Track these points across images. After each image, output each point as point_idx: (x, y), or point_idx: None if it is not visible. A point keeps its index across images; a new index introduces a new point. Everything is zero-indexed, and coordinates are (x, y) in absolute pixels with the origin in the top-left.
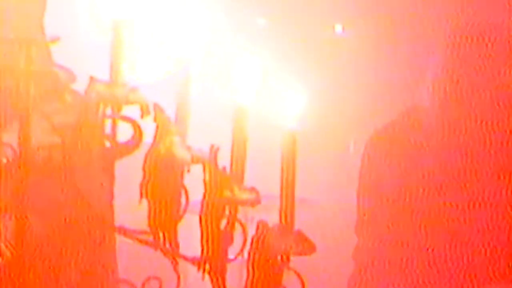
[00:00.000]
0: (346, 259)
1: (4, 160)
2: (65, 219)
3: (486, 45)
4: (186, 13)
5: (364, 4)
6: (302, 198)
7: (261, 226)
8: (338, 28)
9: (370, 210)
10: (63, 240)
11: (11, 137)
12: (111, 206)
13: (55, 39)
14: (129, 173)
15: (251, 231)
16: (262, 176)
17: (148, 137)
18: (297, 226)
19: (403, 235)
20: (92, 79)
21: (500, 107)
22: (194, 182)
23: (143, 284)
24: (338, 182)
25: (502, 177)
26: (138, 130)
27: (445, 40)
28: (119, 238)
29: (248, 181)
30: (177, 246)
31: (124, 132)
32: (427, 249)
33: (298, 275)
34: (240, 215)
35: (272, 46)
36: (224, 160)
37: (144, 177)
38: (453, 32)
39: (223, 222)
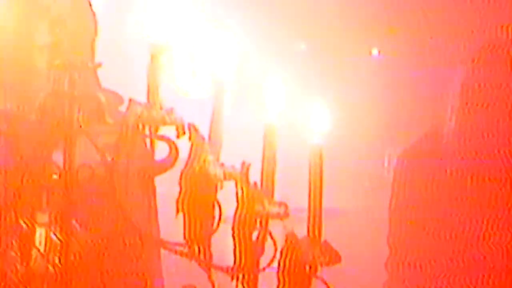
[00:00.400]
0: (378, 268)
1: (55, 176)
2: (107, 233)
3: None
4: (223, 36)
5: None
6: (336, 208)
7: (290, 237)
8: (375, 51)
9: (402, 221)
10: (105, 252)
11: (59, 156)
12: (151, 219)
13: (99, 64)
14: (166, 189)
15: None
16: (291, 190)
17: (183, 153)
18: (330, 234)
19: (434, 245)
20: (131, 101)
21: None
22: (228, 196)
23: None
24: (372, 193)
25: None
26: (174, 149)
27: (462, 68)
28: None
29: (278, 195)
30: (211, 256)
31: (162, 150)
32: (457, 257)
33: (326, 283)
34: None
35: (311, 68)
36: (255, 175)
37: (180, 193)
38: (468, 61)
39: (255, 234)
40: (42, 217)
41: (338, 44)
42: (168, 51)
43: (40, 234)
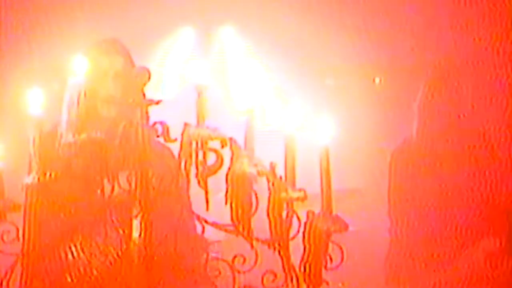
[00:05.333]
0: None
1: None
2: (174, 226)
3: (461, 85)
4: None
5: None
6: (354, 188)
7: (310, 214)
8: (377, 80)
9: (399, 200)
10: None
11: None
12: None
13: (155, 102)
14: (216, 186)
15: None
16: (308, 180)
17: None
18: (347, 209)
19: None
20: (185, 124)
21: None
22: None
23: (233, 260)
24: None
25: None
26: (219, 157)
27: (426, 82)
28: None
29: (298, 184)
30: (252, 233)
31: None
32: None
33: (339, 246)
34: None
35: (318, 92)
36: (281, 171)
37: (226, 188)
38: (431, 75)
39: (284, 213)
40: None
41: (349, 74)
42: (210, 88)
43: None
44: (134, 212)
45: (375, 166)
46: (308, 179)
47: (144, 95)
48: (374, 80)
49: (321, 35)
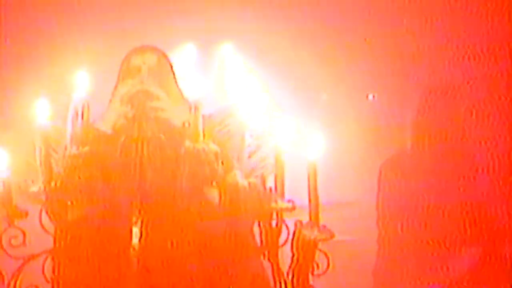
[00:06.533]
0: (371, 245)
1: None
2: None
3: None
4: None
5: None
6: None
7: (298, 223)
8: (370, 96)
9: (388, 211)
10: None
11: None
12: None
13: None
14: None
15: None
16: (296, 192)
17: None
18: (335, 222)
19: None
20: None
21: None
22: None
23: None
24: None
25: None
26: None
27: (418, 99)
28: None
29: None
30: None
31: None
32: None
33: (325, 254)
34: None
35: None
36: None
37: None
38: (424, 92)
39: (273, 223)
40: None
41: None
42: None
43: None
44: (134, 219)
45: (367, 179)
46: (297, 191)
47: None
48: (367, 96)
49: (316, 52)
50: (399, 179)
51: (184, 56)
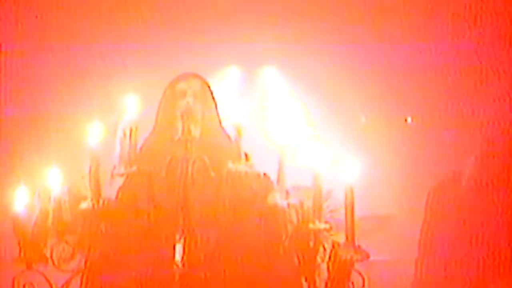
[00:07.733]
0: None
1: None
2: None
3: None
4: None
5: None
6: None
7: (335, 243)
8: (409, 119)
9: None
10: None
11: None
12: None
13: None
14: None
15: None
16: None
17: None
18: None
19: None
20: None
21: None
22: None
23: None
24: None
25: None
26: None
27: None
28: None
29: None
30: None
31: None
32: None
33: (360, 273)
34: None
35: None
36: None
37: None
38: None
39: (311, 243)
40: None
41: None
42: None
43: None
44: (177, 237)
45: (404, 198)
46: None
47: None
48: (406, 120)
49: (356, 76)
50: (447, 206)
51: (227, 79)
